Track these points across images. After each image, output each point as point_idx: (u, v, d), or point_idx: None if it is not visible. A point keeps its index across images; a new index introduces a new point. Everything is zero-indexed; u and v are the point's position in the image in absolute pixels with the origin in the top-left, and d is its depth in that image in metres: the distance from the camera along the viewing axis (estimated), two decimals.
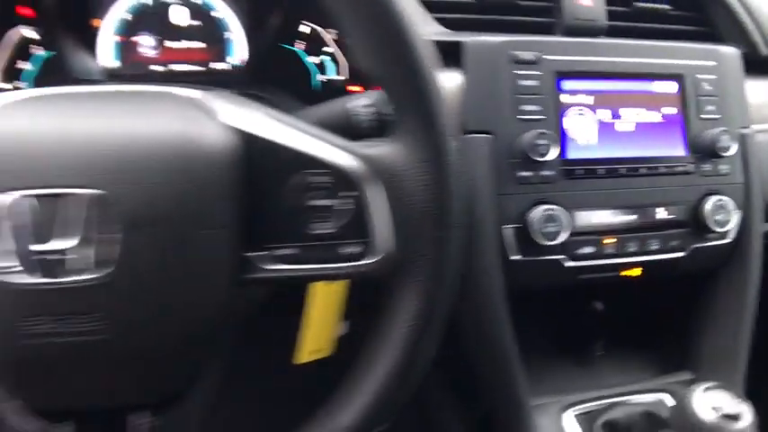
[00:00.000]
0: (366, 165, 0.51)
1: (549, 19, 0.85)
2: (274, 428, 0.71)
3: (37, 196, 0.44)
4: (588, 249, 0.80)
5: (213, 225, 0.48)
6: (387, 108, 0.62)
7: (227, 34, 0.96)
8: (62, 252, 0.45)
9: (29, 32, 0.92)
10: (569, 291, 0.90)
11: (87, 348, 0.47)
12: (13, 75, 0.93)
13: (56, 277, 0.45)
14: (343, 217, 0.51)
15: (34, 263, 0.44)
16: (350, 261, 0.52)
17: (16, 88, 0.94)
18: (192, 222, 0.47)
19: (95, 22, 0.94)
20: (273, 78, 0.96)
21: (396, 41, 0.48)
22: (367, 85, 0.99)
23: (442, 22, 0.82)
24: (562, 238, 0.76)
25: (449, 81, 0.80)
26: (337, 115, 0.63)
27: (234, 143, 0.50)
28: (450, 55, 0.80)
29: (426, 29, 0.79)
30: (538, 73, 0.78)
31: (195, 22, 0.96)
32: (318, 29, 0.97)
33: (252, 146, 0.50)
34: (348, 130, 0.62)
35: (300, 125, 0.52)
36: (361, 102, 0.63)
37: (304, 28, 0.97)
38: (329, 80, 0.99)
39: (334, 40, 0.98)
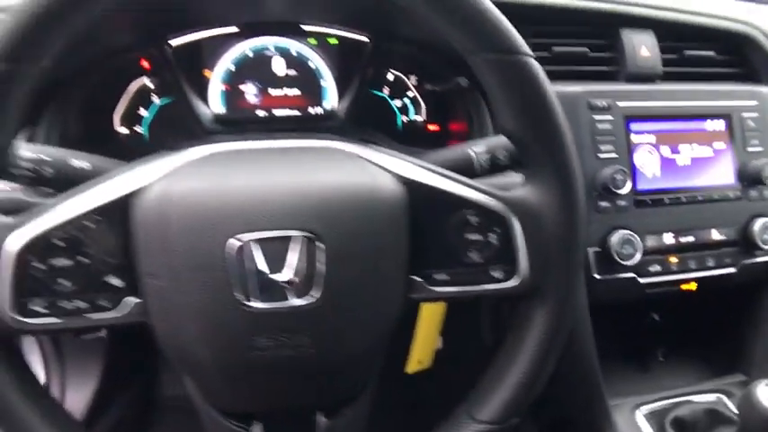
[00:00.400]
0: (509, 206, 0.62)
1: (613, 68, 0.98)
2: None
3: (264, 239, 0.56)
4: (656, 267, 0.92)
5: (392, 256, 0.60)
6: (500, 153, 0.74)
7: (321, 82, 1.09)
8: (283, 282, 0.56)
9: (148, 82, 1.04)
10: (630, 303, 1.03)
11: (296, 360, 0.58)
12: (131, 120, 1.05)
13: (277, 302, 0.56)
14: (491, 248, 0.63)
15: (263, 291, 0.56)
16: (497, 283, 0.64)
17: (134, 132, 1.05)
18: (379, 255, 0.59)
19: (206, 73, 1.06)
20: (363, 120, 1.09)
21: (539, 105, 0.59)
22: (443, 124, 1.12)
23: None
24: (636, 258, 0.89)
25: None
26: (459, 159, 0.75)
27: (403, 189, 0.61)
28: None
29: None
30: (611, 117, 0.91)
31: (292, 72, 1.08)
32: (402, 75, 1.09)
33: (417, 191, 0.62)
34: (467, 171, 0.73)
35: (452, 174, 0.64)
36: (479, 148, 0.75)
37: (389, 75, 1.09)
38: (411, 121, 1.12)
39: (415, 86, 1.10)
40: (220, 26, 1.05)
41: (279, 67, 1.07)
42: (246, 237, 0.55)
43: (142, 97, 1.05)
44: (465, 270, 0.63)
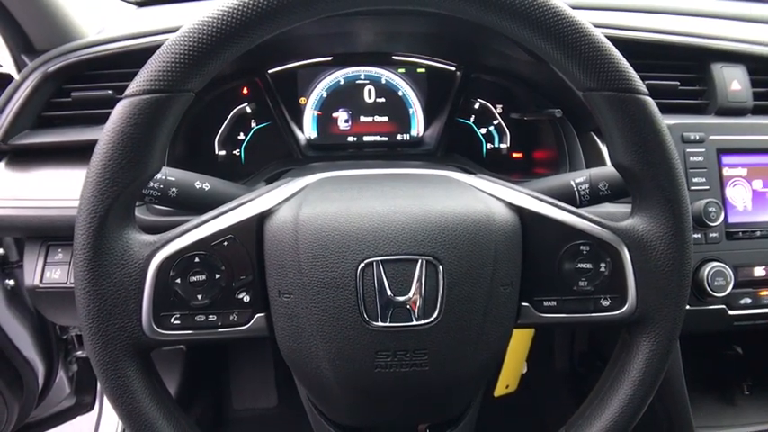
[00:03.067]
0: (620, 236, 0.64)
1: (703, 101, 0.99)
2: None
3: (390, 261, 0.59)
4: (746, 300, 0.92)
5: (507, 282, 0.63)
6: (601, 184, 0.77)
7: (409, 110, 1.13)
8: (405, 303, 0.59)
9: (247, 108, 1.10)
10: (713, 335, 1.02)
11: (413, 377, 0.61)
12: (230, 143, 1.11)
13: (401, 322, 0.59)
14: (600, 276, 0.65)
15: (388, 312, 0.59)
16: (605, 312, 0.66)
17: (232, 155, 1.11)
18: (493, 280, 0.62)
19: (302, 100, 1.11)
20: (449, 147, 1.12)
21: (654, 141, 0.61)
22: (527, 153, 1.15)
23: None
24: (727, 290, 0.89)
25: None
26: (560, 188, 0.78)
27: (516, 218, 0.64)
28: None
29: None
30: (703, 150, 0.92)
31: (382, 100, 1.12)
32: (488, 104, 1.13)
33: (530, 219, 0.65)
34: (568, 201, 0.75)
35: (564, 205, 0.66)
36: (581, 179, 0.77)
37: (475, 104, 1.13)
38: (495, 148, 1.15)
39: (500, 114, 1.13)
40: (316, 57, 1.11)
41: (369, 94, 1.12)
42: (374, 260, 0.59)
43: (241, 122, 1.11)
44: (574, 298, 0.65)
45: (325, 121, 1.12)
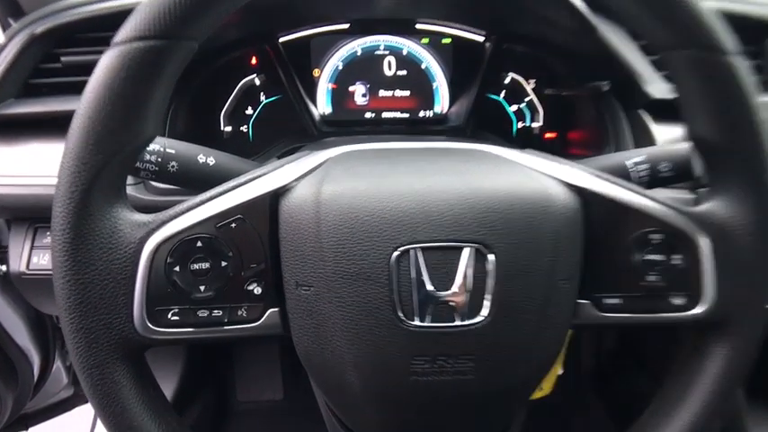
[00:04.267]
0: (697, 223, 0.55)
1: (761, 77, 0.89)
2: None
3: (431, 249, 0.50)
4: None
5: (566, 276, 0.53)
6: (663, 165, 0.67)
7: (433, 84, 1.03)
8: (448, 299, 0.50)
9: (256, 80, 1.00)
10: None
11: (455, 387, 0.52)
12: (236, 119, 1.01)
13: (443, 322, 0.50)
14: (673, 270, 0.55)
15: (428, 309, 0.50)
16: (677, 311, 0.56)
17: (239, 131, 1.02)
18: (551, 273, 0.52)
19: (315, 72, 1.01)
20: (476, 125, 1.03)
21: (742, 109, 0.52)
22: (562, 132, 1.05)
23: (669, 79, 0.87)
24: None
25: (670, 133, 0.84)
26: (613, 169, 0.68)
27: (577, 200, 0.55)
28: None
29: (655, 87, 0.84)
30: None
31: (403, 72, 1.02)
32: (520, 79, 1.03)
33: (592, 202, 0.55)
34: None
35: (632, 185, 0.56)
36: (639, 158, 0.67)
37: (506, 78, 1.03)
38: (526, 127, 1.05)
39: (534, 89, 1.03)
40: (331, 23, 1.01)
41: (390, 66, 1.02)
42: (412, 247, 0.49)
43: (249, 95, 1.01)
44: (641, 295, 0.56)
45: (340, 95, 1.02)
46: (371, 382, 0.51)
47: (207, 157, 0.65)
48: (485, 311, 0.50)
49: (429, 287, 0.49)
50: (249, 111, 1.01)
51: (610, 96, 0.90)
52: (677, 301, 0.56)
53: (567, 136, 1.04)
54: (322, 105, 1.02)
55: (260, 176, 0.54)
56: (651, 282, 0.55)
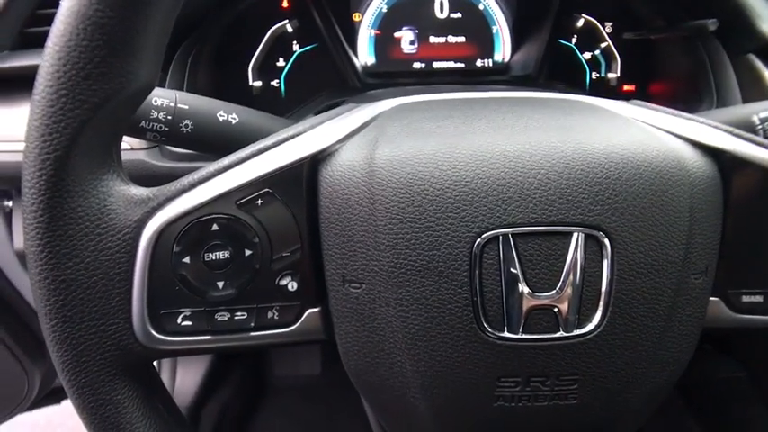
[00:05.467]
0: None
1: None
2: None
3: (527, 236, 0.37)
4: None
5: (701, 268, 0.40)
6: None
7: (493, 28, 0.88)
8: (550, 303, 0.37)
9: (288, 27, 0.87)
10: None
11: (552, 415, 0.40)
12: (267, 73, 0.89)
13: (542, 333, 0.38)
14: None
15: (522, 316, 0.37)
16: None
17: (270, 86, 0.89)
18: (687, 265, 0.39)
19: (355, 16, 0.88)
20: (543, 77, 0.88)
21: None
22: (642, 84, 0.90)
23: None
24: None
25: None
26: (738, 125, 0.54)
27: (714, 166, 0.41)
28: None
29: None
30: None
31: (457, 15, 0.88)
32: (595, 21, 0.87)
33: (736, 169, 0.41)
34: None
35: None
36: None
37: (579, 21, 0.88)
38: (601, 78, 0.90)
39: (609, 34, 0.88)
40: None
41: (441, 8, 0.88)
42: (501, 232, 0.36)
43: (280, 45, 0.88)
44: None
45: (384, 42, 0.88)
46: (444, 408, 0.39)
47: (229, 113, 0.53)
48: (597, 319, 0.37)
49: (524, 287, 0.37)
50: (281, 62, 0.89)
51: (712, 38, 0.74)
52: None
53: (650, 89, 0.89)
54: (364, 55, 0.89)
55: (293, 137, 0.41)
56: None
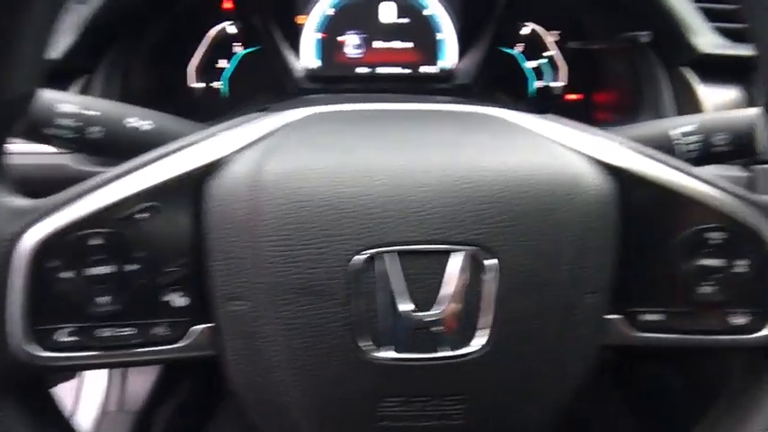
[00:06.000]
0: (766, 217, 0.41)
1: None
2: None
3: (408, 254, 0.36)
4: None
5: (594, 287, 0.40)
6: (718, 137, 0.52)
7: (438, 35, 0.87)
8: (432, 322, 0.37)
9: (230, 28, 0.86)
10: None
11: None
12: (208, 74, 0.87)
13: (423, 353, 0.37)
14: (736, 280, 0.42)
15: (403, 336, 0.37)
16: (736, 333, 0.43)
17: (211, 89, 0.88)
18: (578, 284, 0.39)
19: (300, 19, 0.86)
20: (486, 84, 0.88)
21: None
22: (587, 93, 0.89)
23: (722, 32, 0.71)
24: None
25: (721, 97, 0.69)
26: (653, 140, 0.53)
27: (613, 184, 0.41)
28: (728, 68, 0.69)
29: (705, 39, 0.68)
30: None
31: (403, 21, 0.87)
32: (540, 30, 0.87)
33: (634, 188, 0.41)
34: None
35: (686, 167, 0.42)
36: (688, 128, 0.53)
37: (524, 29, 0.87)
38: (545, 87, 0.89)
39: (556, 43, 0.88)
40: None
41: (387, 14, 0.87)
42: (383, 250, 0.36)
43: (222, 46, 0.87)
44: (690, 311, 0.42)
45: (329, 46, 0.87)
46: (328, 428, 0.39)
47: (143, 119, 0.52)
48: (481, 338, 0.37)
49: (405, 306, 0.36)
50: (223, 64, 0.87)
51: (648, 50, 0.74)
52: (738, 320, 0.43)
53: (594, 98, 0.89)
54: (309, 58, 0.87)
55: (185, 147, 0.40)
56: (705, 294, 0.42)
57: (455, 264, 0.36)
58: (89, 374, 1.24)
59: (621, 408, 1.11)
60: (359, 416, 0.38)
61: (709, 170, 0.63)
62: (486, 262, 0.36)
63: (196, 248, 0.39)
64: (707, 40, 0.69)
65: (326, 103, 0.48)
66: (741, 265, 0.41)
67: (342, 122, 0.44)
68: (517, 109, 0.47)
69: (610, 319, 0.43)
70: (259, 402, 0.41)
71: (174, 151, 0.40)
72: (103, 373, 1.15)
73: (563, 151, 0.41)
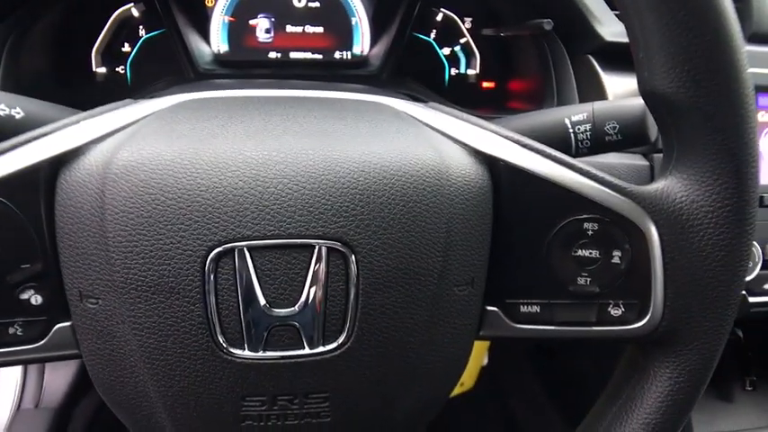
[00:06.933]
0: (646, 207, 0.41)
1: None
2: None
3: (266, 249, 0.35)
4: None
5: (466, 279, 0.39)
6: (609, 126, 0.52)
7: (352, 20, 0.86)
8: (290, 319, 0.36)
9: (135, 11, 0.82)
10: None
11: None
12: (112, 58, 0.84)
13: (284, 350, 0.36)
14: (612, 271, 0.42)
15: (262, 333, 0.35)
16: (613, 325, 0.43)
17: (115, 73, 0.84)
18: (446, 277, 0.38)
19: (208, 2, 0.83)
20: (401, 71, 0.86)
21: (721, 49, 0.37)
22: (501, 82, 0.89)
23: None
24: (755, 272, 0.67)
25: (624, 86, 0.70)
26: (549, 128, 0.53)
27: (486, 174, 0.40)
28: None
29: (608, 28, 0.69)
30: None
31: (315, 4, 0.85)
32: (454, 16, 0.86)
33: (508, 178, 0.41)
34: (559, 146, 0.52)
35: (563, 157, 0.42)
36: (580, 116, 0.53)
37: (438, 15, 0.86)
38: (460, 74, 0.89)
39: (468, 30, 0.87)
40: None
41: None
42: (237, 245, 0.34)
43: (126, 30, 0.83)
44: (568, 302, 0.42)
45: (239, 30, 0.85)
46: (190, 428, 0.37)
47: (11, 107, 0.48)
48: (343, 334, 0.36)
49: (263, 303, 0.35)
50: (127, 48, 0.84)
51: (554, 38, 0.74)
52: (615, 311, 0.43)
53: (508, 86, 0.89)
54: (216, 42, 0.84)
55: (39, 137, 0.38)
56: (581, 286, 0.42)
57: (314, 259, 0.35)
58: (1, 372, 1.19)
59: (543, 397, 1.13)
60: (221, 416, 0.37)
61: (610, 159, 0.65)
62: (348, 256, 0.35)
63: (51, 245, 0.37)
64: (611, 28, 0.69)
65: (208, 90, 0.46)
66: (617, 257, 0.42)
67: (210, 110, 0.42)
68: (412, 98, 0.46)
69: (489, 310, 0.43)
70: (122, 403, 0.39)
71: (27, 141, 0.37)
72: (17, 370, 1.11)
73: (439, 139, 0.41)
